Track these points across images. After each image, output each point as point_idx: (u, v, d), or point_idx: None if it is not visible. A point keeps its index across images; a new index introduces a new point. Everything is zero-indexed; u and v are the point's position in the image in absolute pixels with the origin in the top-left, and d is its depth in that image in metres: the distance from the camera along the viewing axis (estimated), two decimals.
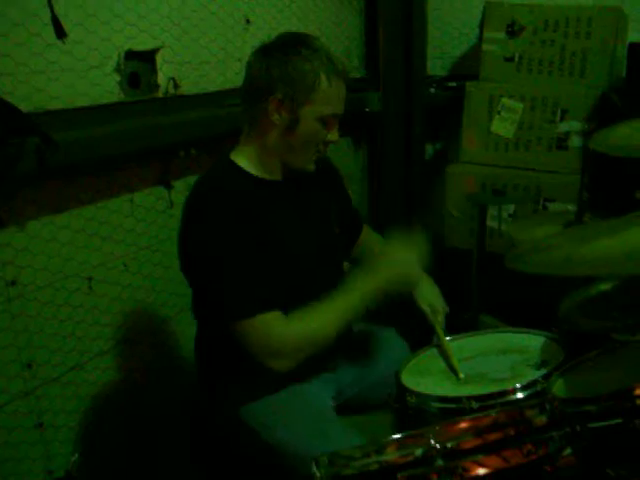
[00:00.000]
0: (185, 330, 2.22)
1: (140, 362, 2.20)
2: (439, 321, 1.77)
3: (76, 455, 0.89)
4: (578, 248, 1.24)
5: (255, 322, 1.52)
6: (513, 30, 2.81)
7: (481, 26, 2.94)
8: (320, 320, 1.58)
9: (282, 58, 1.60)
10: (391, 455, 0.94)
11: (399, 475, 0.90)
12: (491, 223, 2.53)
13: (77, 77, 1.89)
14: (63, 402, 1.95)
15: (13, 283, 1.78)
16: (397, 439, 0.96)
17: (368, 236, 2.06)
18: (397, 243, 1.72)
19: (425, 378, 1.48)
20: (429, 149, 3.47)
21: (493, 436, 0.95)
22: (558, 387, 1.20)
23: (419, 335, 1.85)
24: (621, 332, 1.44)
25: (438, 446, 0.91)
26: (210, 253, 1.56)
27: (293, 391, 1.69)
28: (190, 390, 1.88)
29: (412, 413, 1.36)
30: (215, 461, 1.76)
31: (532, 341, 1.54)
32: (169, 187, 2.26)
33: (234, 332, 1.54)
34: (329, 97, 1.61)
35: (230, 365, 1.72)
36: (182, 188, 2.28)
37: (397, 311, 1.86)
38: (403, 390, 1.41)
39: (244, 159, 1.69)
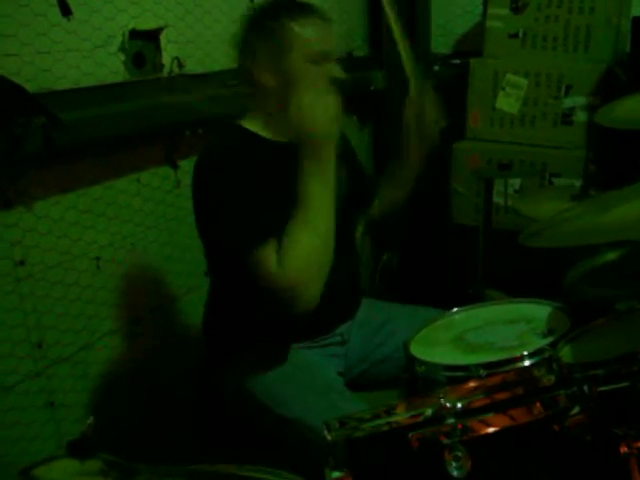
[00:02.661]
0: (193, 309, 2.23)
1: (149, 341, 2.22)
2: None
3: (91, 417, 0.90)
4: (598, 217, 1.24)
5: (267, 248, 1.49)
6: (517, 6, 2.79)
7: (485, 3, 2.93)
8: (303, 226, 1.50)
9: (250, 25, 1.66)
10: (401, 416, 0.95)
11: (410, 435, 0.91)
12: (497, 199, 2.53)
13: (82, 57, 1.89)
14: (73, 381, 1.97)
15: (22, 263, 1.79)
16: (407, 400, 0.97)
17: None
18: None
19: (434, 348, 1.49)
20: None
21: (502, 395, 0.96)
22: (565, 354, 1.21)
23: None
24: (627, 300, 1.45)
25: (448, 405, 0.92)
26: (220, 203, 1.57)
27: (300, 364, 1.70)
28: (199, 368, 1.90)
29: (421, 382, 1.37)
30: (224, 434, 1.77)
31: (539, 311, 1.54)
32: (175, 167, 2.27)
33: (251, 268, 1.51)
34: (306, 38, 1.60)
35: (237, 337, 1.73)
36: (188, 168, 2.27)
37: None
38: (412, 360, 1.41)
39: (253, 124, 1.70)
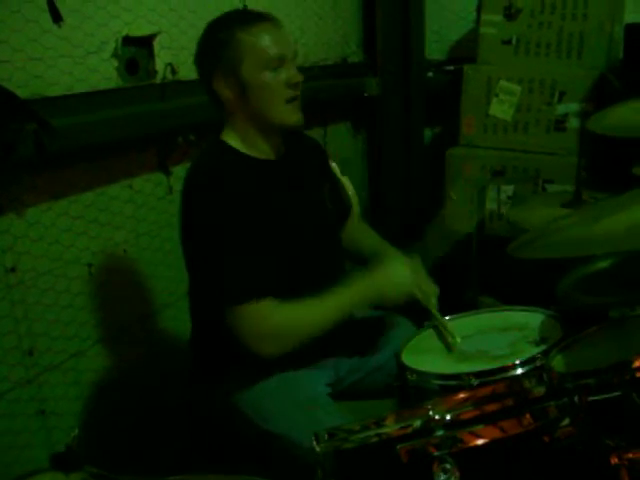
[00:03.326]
0: (185, 316, 2.20)
1: (140, 348, 2.21)
2: (432, 303, 1.73)
3: (76, 430, 0.89)
4: (588, 228, 1.24)
5: (248, 308, 1.52)
6: (510, 13, 2.80)
7: (478, 9, 2.92)
8: (308, 313, 1.58)
9: (202, 42, 1.67)
10: (390, 427, 0.94)
11: (399, 447, 0.90)
12: (490, 206, 2.53)
13: (74, 63, 1.89)
14: (65, 389, 1.96)
15: (13, 270, 1.78)
16: (395, 412, 0.97)
17: (359, 226, 2.05)
18: (396, 254, 1.76)
19: (425, 356, 1.49)
20: (428, 133, 3.46)
21: (491, 407, 0.95)
22: (557, 362, 1.21)
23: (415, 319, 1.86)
24: (619, 307, 1.45)
25: (437, 417, 0.91)
26: (209, 238, 1.56)
27: (285, 378, 1.69)
28: (187, 381, 1.89)
29: (413, 391, 1.36)
30: (210, 447, 1.76)
31: (531, 319, 1.54)
32: (168, 173, 2.27)
33: (228, 316, 1.55)
34: (257, 45, 1.59)
35: (224, 352, 1.71)
36: (181, 174, 2.26)
37: None
38: (403, 369, 1.41)
39: (234, 139, 1.69)
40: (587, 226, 1.22)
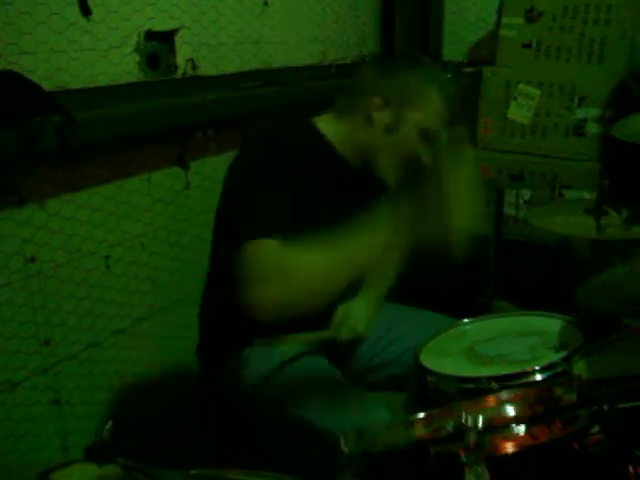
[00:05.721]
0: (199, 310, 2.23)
1: (155, 340, 2.22)
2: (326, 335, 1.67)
3: (110, 422, 0.89)
4: None
5: (256, 244, 1.44)
6: (532, 16, 2.79)
7: (499, 12, 2.93)
8: (319, 259, 1.41)
9: (396, 68, 1.68)
10: (420, 430, 0.94)
11: (430, 449, 0.91)
12: (507, 209, 2.53)
13: (97, 56, 1.90)
14: (80, 379, 1.97)
15: (32, 260, 1.79)
16: (426, 415, 0.97)
17: None
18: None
19: (444, 359, 1.49)
20: (444, 135, 3.45)
21: (522, 413, 0.96)
22: (579, 369, 1.21)
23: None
24: (637, 316, 1.45)
25: (470, 420, 0.91)
26: (254, 177, 1.55)
27: (301, 362, 1.68)
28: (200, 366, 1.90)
29: (432, 394, 1.36)
30: (227, 433, 1.77)
31: (551, 324, 1.54)
32: (186, 168, 2.27)
33: (238, 259, 1.46)
34: (434, 111, 1.62)
35: (235, 332, 1.72)
36: (199, 169, 2.29)
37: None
38: (423, 371, 1.41)
39: (327, 125, 1.69)
40: None
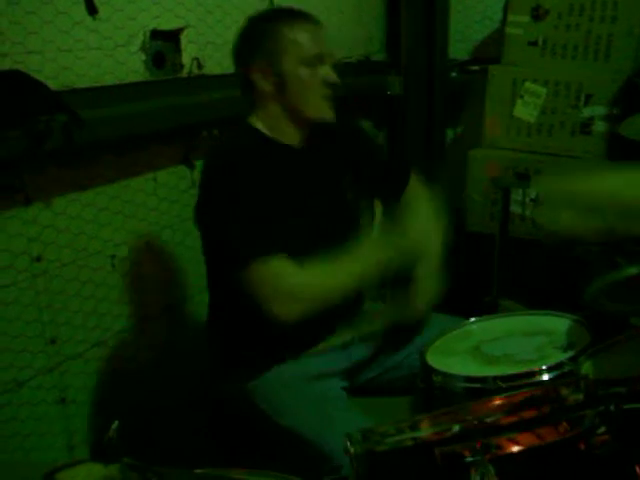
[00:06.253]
0: (204, 309, 2.22)
1: (160, 339, 2.22)
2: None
3: (116, 422, 0.90)
4: None
5: (268, 263, 1.54)
6: (538, 14, 2.77)
7: (505, 9, 2.91)
8: (326, 274, 1.60)
9: (244, 32, 1.71)
10: (426, 431, 0.94)
11: (436, 450, 0.90)
12: (513, 208, 2.52)
13: (103, 55, 1.90)
14: (85, 378, 1.98)
15: (38, 259, 1.80)
16: (431, 415, 0.96)
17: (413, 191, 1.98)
18: (421, 213, 1.78)
19: (450, 358, 1.48)
20: (450, 133, 3.44)
21: (528, 413, 0.95)
22: (587, 369, 1.20)
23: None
24: None
25: (476, 422, 0.91)
26: (227, 204, 1.60)
27: (299, 371, 1.70)
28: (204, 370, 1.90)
29: (438, 393, 1.36)
30: (227, 437, 1.77)
31: (558, 324, 1.54)
32: (192, 167, 2.27)
33: (247, 277, 1.56)
34: (300, 41, 1.64)
35: (240, 341, 1.73)
36: None
37: None
38: (429, 370, 1.41)
39: (261, 123, 1.73)
40: None
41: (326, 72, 1.68)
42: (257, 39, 1.67)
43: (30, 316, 1.80)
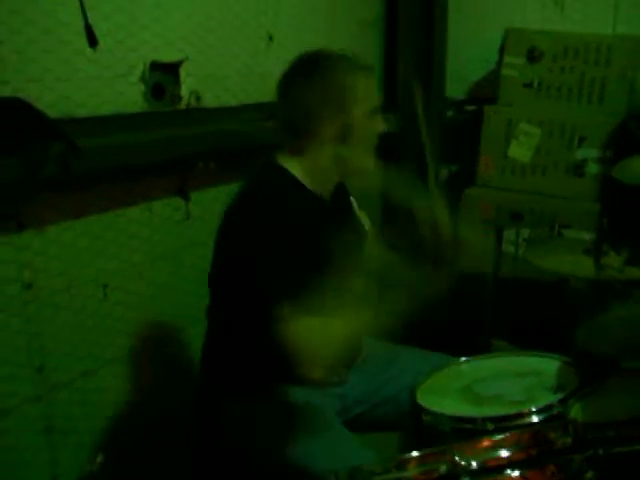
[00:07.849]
0: (196, 341, 2.21)
1: (151, 370, 2.20)
2: None
3: (101, 455, 0.89)
4: None
5: (298, 320, 1.46)
6: (533, 56, 2.82)
7: (501, 51, 2.95)
8: (337, 331, 1.51)
9: (301, 76, 1.66)
10: (412, 471, 0.93)
11: None
12: (506, 247, 2.53)
13: (103, 86, 1.92)
14: (73, 407, 1.95)
15: (29, 286, 1.79)
16: (418, 455, 0.96)
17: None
18: None
19: (440, 398, 1.48)
20: (444, 172, 3.47)
21: (516, 456, 0.95)
22: (575, 412, 1.20)
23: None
24: (634, 358, 1.44)
25: (463, 463, 0.91)
26: (273, 236, 1.55)
27: (297, 403, 1.68)
28: (197, 401, 1.88)
29: (426, 432, 1.35)
30: (221, 468, 1.75)
31: (547, 365, 1.54)
32: (187, 198, 2.27)
33: (275, 320, 1.47)
34: (368, 91, 1.66)
35: (238, 372, 1.71)
36: (199, 199, 2.29)
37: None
38: (418, 409, 1.40)
39: (297, 169, 1.69)
40: None
41: (382, 124, 1.69)
42: (330, 87, 1.63)
43: (18, 343, 1.78)
